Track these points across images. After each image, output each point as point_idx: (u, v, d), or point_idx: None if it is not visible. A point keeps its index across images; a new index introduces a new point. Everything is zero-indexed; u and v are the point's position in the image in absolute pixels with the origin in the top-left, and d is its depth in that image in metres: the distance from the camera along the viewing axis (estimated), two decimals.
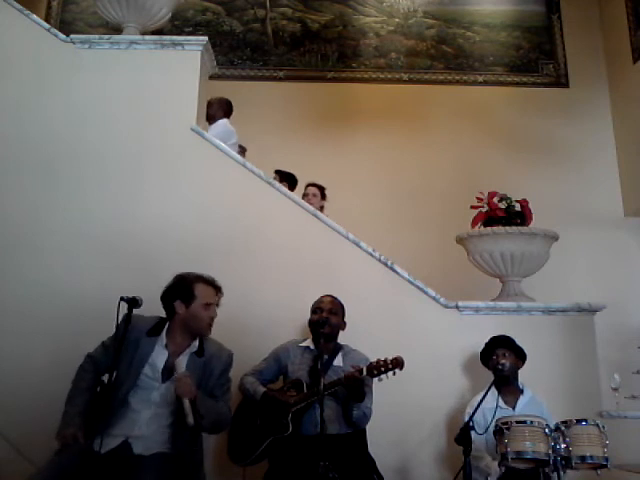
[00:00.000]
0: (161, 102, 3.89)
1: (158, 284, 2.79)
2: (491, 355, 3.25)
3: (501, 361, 3.13)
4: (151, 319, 2.69)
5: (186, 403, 2.43)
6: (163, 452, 2.51)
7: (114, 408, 2.49)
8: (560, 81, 5.97)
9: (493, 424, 2.79)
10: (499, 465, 2.72)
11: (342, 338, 3.19)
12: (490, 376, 3.12)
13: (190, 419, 2.41)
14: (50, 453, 2.52)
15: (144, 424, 2.53)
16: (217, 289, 2.72)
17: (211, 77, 4.53)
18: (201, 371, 2.64)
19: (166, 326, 2.67)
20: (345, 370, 2.95)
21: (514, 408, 3.15)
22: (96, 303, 2.75)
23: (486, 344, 3.31)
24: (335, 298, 3.20)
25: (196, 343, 2.68)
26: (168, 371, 2.59)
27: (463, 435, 2.64)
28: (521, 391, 3.22)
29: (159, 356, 2.61)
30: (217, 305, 2.72)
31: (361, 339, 3.23)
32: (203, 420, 2.49)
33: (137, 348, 2.59)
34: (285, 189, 3.80)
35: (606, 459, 2.67)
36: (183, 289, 2.68)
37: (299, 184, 4.93)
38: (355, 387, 2.84)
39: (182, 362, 2.60)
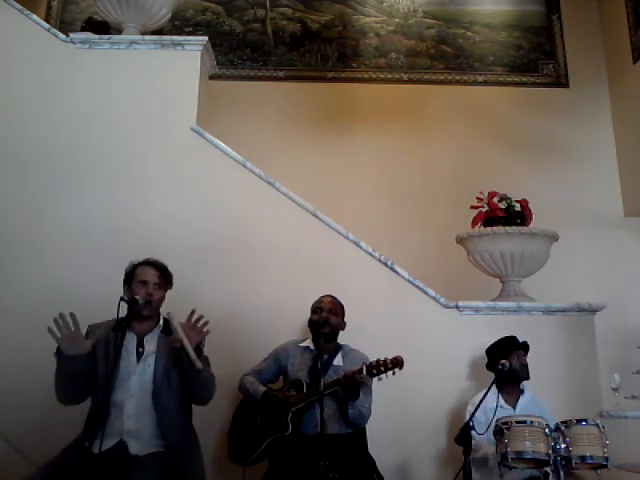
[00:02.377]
0: (161, 102, 3.89)
1: None
2: (507, 355, 3.17)
3: (522, 363, 3.17)
4: (113, 319, 2.68)
5: (190, 349, 2.48)
6: (158, 451, 2.53)
7: (105, 408, 2.50)
8: (560, 81, 5.96)
9: (494, 423, 2.79)
10: (499, 465, 2.73)
11: (342, 338, 3.19)
12: (490, 376, 3.12)
13: (199, 363, 2.49)
14: (50, 453, 2.52)
15: (132, 416, 2.55)
16: (158, 269, 2.72)
17: (211, 77, 4.54)
18: (172, 348, 2.65)
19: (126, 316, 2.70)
20: (345, 370, 2.95)
21: (515, 408, 3.15)
22: (96, 303, 2.75)
23: (503, 344, 3.25)
24: (335, 298, 3.20)
25: (161, 322, 2.73)
26: (139, 352, 2.65)
27: (463, 435, 2.64)
28: (521, 391, 3.23)
29: (129, 341, 2.65)
30: (158, 286, 2.70)
31: (361, 339, 3.23)
32: (205, 369, 2.55)
33: (108, 345, 2.63)
34: (285, 189, 3.80)
35: (606, 459, 2.68)
36: (127, 274, 2.75)
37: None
38: (350, 390, 2.84)
39: (151, 340, 2.68)
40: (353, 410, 2.89)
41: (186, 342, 2.49)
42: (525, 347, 3.25)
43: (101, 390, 2.54)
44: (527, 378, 3.20)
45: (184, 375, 2.60)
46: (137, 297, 2.62)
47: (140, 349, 2.66)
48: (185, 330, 2.53)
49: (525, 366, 3.19)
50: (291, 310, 3.46)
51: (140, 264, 2.74)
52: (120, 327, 2.57)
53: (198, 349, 2.58)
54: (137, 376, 2.61)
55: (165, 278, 2.75)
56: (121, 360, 2.59)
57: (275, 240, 3.69)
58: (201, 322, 2.56)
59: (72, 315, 2.48)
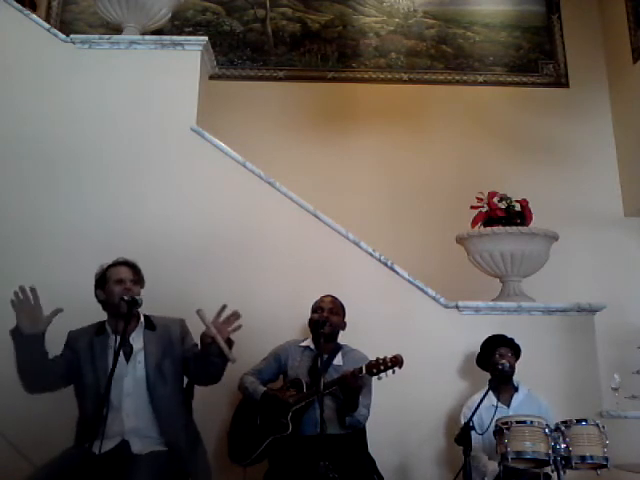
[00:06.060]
0: (161, 102, 3.89)
1: (157, 284, 2.79)
2: (492, 354, 3.23)
3: (501, 361, 3.13)
4: (94, 324, 2.71)
5: (222, 343, 2.48)
6: (159, 450, 2.52)
7: (103, 411, 2.48)
8: (560, 81, 5.96)
9: (492, 424, 2.79)
10: (499, 465, 2.72)
11: (342, 338, 3.19)
12: (488, 376, 3.13)
13: (232, 356, 2.50)
14: (50, 453, 2.52)
15: (131, 414, 2.55)
16: (130, 267, 2.71)
17: (211, 77, 4.54)
18: (161, 341, 2.67)
19: (107, 319, 2.70)
20: (345, 369, 2.95)
21: (509, 406, 3.15)
22: (96, 304, 2.75)
23: (486, 343, 3.30)
24: (335, 298, 3.20)
25: (142, 319, 2.71)
26: (127, 351, 2.62)
27: (463, 435, 2.64)
28: (515, 389, 3.23)
29: (110, 344, 2.63)
30: (134, 282, 2.68)
31: (361, 339, 3.23)
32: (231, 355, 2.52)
33: (92, 350, 2.63)
34: (285, 189, 3.80)
35: (606, 459, 2.68)
36: (99, 278, 2.73)
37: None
38: (350, 393, 2.82)
39: (137, 338, 2.66)
40: (351, 419, 2.90)
41: (219, 338, 2.48)
42: (510, 344, 3.25)
43: (91, 399, 2.54)
44: (509, 375, 3.17)
45: (204, 361, 2.57)
46: (137, 297, 2.61)
47: (127, 348, 2.63)
48: (217, 325, 2.51)
49: (506, 362, 3.14)
50: (291, 310, 3.46)
51: (111, 265, 2.73)
52: (101, 329, 2.59)
53: (229, 341, 2.56)
54: (130, 375, 2.60)
55: (139, 275, 2.73)
56: (108, 362, 2.57)
57: (275, 240, 3.69)
58: (233, 319, 2.55)
59: (32, 289, 2.44)
